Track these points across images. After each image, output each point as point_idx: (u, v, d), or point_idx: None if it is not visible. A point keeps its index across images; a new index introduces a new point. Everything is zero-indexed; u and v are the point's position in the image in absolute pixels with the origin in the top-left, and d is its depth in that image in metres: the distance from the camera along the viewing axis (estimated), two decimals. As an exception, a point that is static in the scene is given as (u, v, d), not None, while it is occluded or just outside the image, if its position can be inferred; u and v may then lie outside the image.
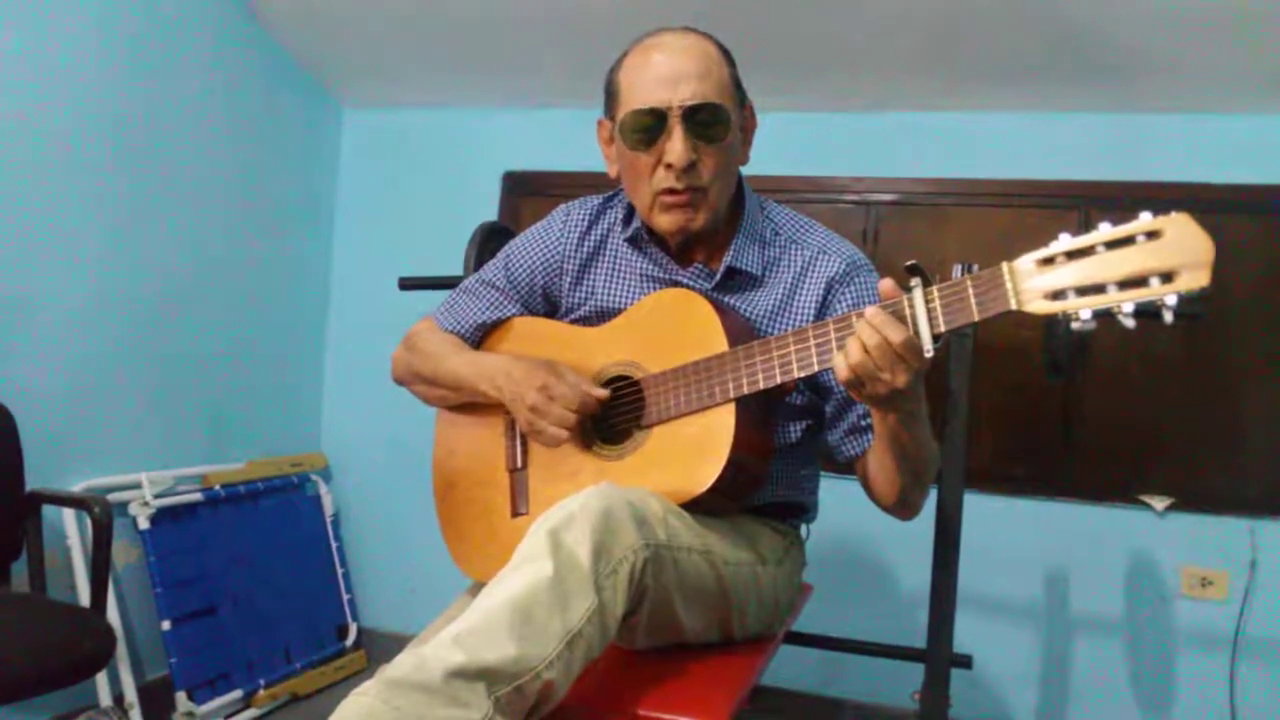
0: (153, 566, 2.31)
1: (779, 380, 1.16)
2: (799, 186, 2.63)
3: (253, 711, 2.48)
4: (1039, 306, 0.96)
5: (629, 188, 1.34)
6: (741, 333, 1.25)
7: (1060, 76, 2.35)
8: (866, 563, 2.55)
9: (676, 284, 1.35)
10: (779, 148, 2.37)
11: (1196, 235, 0.88)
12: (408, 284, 2.27)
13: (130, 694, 2.24)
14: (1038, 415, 2.47)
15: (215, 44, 2.57)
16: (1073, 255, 0.94)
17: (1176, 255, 0.89)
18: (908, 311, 1.04)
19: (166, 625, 2.30)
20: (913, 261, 1.04)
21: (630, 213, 1.38)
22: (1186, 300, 0.90)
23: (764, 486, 1.33)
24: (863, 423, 1.30)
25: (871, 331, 1.03)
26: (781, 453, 1.34)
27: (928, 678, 1.67)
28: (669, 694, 1.13)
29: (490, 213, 2.88)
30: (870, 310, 1.05)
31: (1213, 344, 2.33)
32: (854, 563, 2.54)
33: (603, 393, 1.27)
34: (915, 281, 1.04)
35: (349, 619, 2.92)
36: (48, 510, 2.02)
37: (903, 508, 1.30)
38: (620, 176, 1.35)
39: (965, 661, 1.76)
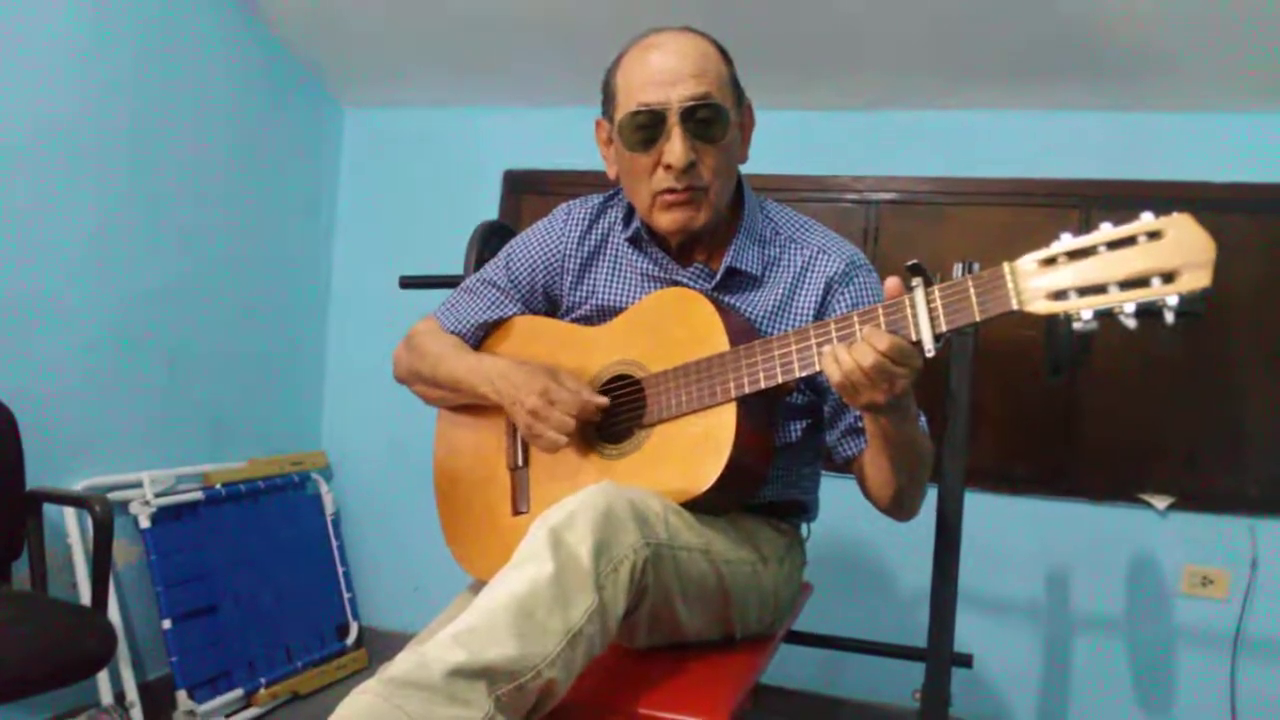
0: (154, 565, 2.31)
1: (780, 379, 1.16)
2: (799, 185, 2.62)
3: (253, 710, 2.49)
4: (1041, 306, 0.96)
5: (628, 188, 1.33)
6: (742, 332, 1.25)
7: (1060, 75, 2.34)
8: (867, 562, 2.55)
9: (677, 284, 1.34)
10: (779, 146, 2.36)
11: (1198, 235, 0.88)
12: (408, 282, 2.27)
13: (131, 692, 2.24)
14: (1039, 414, 2.47)
15: (216, 43, 2.57)
16: (1074, 255, 0.94)
17: (1178, 255, 0.88)
18: (909, 311, 1.04)
19: (167, 624, 2.31)
20: (914, 261, 1.04)
21: (631, 212, 1.38)
22: (1188, 300, 0.89)
23: (765, 485, 1.33)
24: (859, 424, 1.30)
25: (868, 350, 1.03)
26: (782, 452, 1.34)
27: (928, 677, 1.67)
28: (669, 693, 1.13)
29: (491, 211, 2.88)
30: (868, 331, 1.05)
31: (1214, 343, 2.33)
32: (854, 562, 2.54)
33: (603, 400, 1.26)
34: (917, 281, 1.04)
35: (350, 618, 2.92)
36: (49, 509, 2.02)
37: (899, 509, 1.30)
38: (619, 177, 1.34)
39: (966, 660, 1.76)
